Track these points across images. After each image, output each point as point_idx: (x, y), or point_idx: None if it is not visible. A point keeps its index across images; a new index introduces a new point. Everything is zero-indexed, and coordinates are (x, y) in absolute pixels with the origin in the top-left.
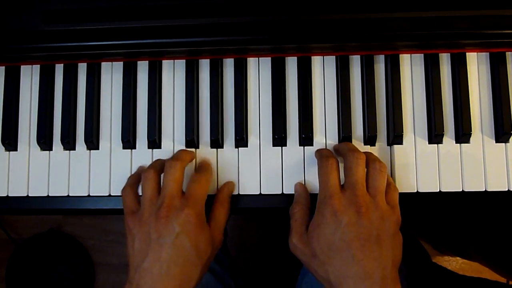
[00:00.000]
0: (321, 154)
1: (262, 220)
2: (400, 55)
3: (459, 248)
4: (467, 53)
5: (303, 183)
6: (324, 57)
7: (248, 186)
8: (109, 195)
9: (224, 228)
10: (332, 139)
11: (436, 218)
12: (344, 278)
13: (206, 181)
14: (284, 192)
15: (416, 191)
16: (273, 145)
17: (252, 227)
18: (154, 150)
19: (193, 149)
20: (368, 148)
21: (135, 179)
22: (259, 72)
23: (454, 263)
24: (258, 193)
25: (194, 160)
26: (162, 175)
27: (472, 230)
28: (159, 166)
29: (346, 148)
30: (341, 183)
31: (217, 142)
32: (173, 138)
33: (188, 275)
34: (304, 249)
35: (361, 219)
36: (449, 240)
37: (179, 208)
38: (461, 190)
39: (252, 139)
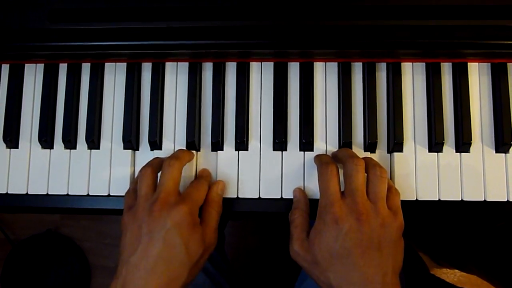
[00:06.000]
0: (321, 161)
1: (260, 225)
2: (402, 63)
3: (458, 261)
4: (468, 63)
5: (303, 188)
6: (326, 63)
7: (248, 190)
8: (108, 195)
9: (216, 229)
10: (332, 145)
11: (435, 229)
12: (345, 284)
13: (204, 188)
14: (284, 196)
15: (415, 199)
16: (274, 149)
17: (250, 232)
18: (154, 151)
19: (193, 151)
20: (368, 155)
21: (137, 184)
22: (261, 76)
23: (452, 276)
24: (257, 197)
25: (194, 163)
26: (159, 174)
27: (471, 243)
28: (156, 165)
29: (346, 155)
30: (341, 190)
31: (217, 144)
32: (174, 139)
33: (175, 273)
34: (306, 255)
35: (362, 226)
36: (448, 252)
37: (173, 204)
38: (460, 199)
39: (252, 142)
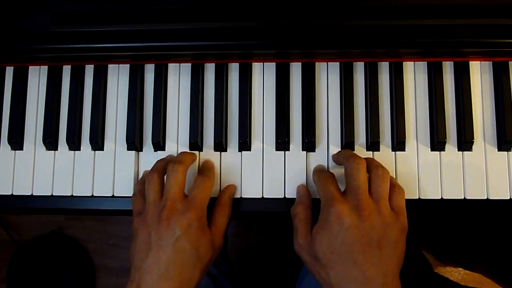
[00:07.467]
0: (318, 172)
1: (262, 225)
2: (404, 63)
3: (461, 259)
4: (470, 62)
5: (304, 185)
6: (328, 63)
7: (251, 190)
8: (113, 196)
9: (224, 232)
10: (335, 145)
11: (438, 228)
12: (345, 282)
13: (209, 186)
14: (286, 196)
15: (418, 197)
16: (276, 149)
17: (253, 233)
18: (158, 152)
19: (196, 152)
20: (370, 154)
21: (142, 185)
22: (263, 76)
23: (456, 274)
24: (260, 196)
25: (197, 164)
26: (165, 176)
27: (475, 241)
28: (161, 168)
29: (346, 155)
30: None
31: (220, 145)
32: (177, 140)
33: (187, 277)
34: (309, 249)
35: (363, 222)
36: (451, 251)
37: (180, 211)
38: (463, 197)
39: (255, 143)
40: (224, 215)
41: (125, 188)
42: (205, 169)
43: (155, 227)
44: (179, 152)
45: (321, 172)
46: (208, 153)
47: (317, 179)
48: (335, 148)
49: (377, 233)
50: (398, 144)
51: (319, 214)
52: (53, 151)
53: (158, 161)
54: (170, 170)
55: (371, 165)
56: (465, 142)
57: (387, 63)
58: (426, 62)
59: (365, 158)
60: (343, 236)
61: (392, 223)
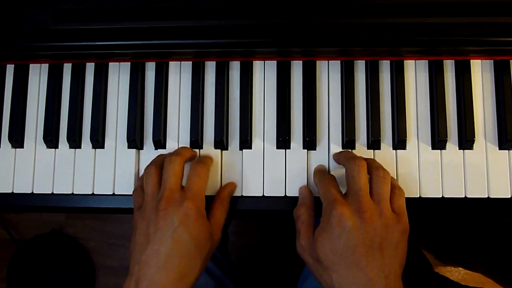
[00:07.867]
0: (319, 173)
1: (263, 224)
2: (405, 61)
3: (462, 258)
4: (471, 60)
5: (307, 185)
6: (329, 61)
7: (251, 188)
8: (113, 194)
9: (222, 227)
10: (336, 143)
11: (439, 227)
12: (348, 284)
13: (205, 173)
14: (287, 194)
15: (419, 196)
16: (277, 148)
17: (254, 232)
18: (159, 150)
19: (196, 150)
20: (371, 153)
21: (143, 180)
22: (264, 75)
23: (457, 274)
24: (261, 195)
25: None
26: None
27: (475, 240)
28: (160, 162)
29: (347, 156)
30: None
31: (221, 143)
32: (178, 138)
33: (187, 268)
34: (312, 251)
35: (365, 224)
36: (452, 250)
37: (178, 201)
38: (463, 196)
39: (256, 141)
40: (222, 210)
41: (126, 186)
42: (201, 158)
43: (153, 219)
44: None
45: (322, 174)
46: (209, 151)
47: (318, 181)
48: (336, 147)
49: (378, 235)
50: (399, 142)
51: (321, 217)
52: (53, 149)
53: (157, 156)
54: (168, 162)
55: (372, 166)
56: (466, 141)
57: (388, 61)
58: (427, 61)
59: (365, 159)
60: (345, 239)
61: (394, 225)
